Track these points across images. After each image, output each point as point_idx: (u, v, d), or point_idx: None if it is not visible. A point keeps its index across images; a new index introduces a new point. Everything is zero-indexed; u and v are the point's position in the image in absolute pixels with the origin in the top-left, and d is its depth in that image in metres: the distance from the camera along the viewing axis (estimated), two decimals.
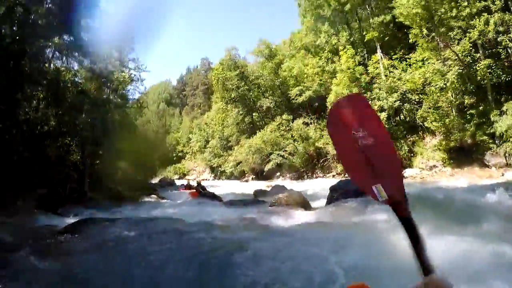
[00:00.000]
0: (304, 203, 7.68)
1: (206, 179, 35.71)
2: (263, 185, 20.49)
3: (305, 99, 26.16)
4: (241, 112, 33.45)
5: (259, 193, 12.55)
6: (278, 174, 26.95)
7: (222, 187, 20.50)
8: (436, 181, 14.33)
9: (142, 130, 23.70)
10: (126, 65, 19.52)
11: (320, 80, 24.99)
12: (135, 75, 22.48)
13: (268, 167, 26.43)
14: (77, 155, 13.19)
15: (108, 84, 16.90)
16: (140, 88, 22.97)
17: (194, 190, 13.48)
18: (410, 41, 18.02)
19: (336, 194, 7.53)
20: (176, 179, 39.78)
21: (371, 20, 22.39)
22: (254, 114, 33.39)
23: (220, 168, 35.19)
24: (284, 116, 27.61)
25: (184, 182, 30.61)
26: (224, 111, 36.03)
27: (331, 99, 21.05)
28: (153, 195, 13.87)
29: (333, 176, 22.93)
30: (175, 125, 61.50)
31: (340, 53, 22.01)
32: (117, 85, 17.41)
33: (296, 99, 26.76)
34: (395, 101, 18.69)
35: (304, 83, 26.67)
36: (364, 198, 6.11)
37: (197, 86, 66.97)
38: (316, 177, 24.00)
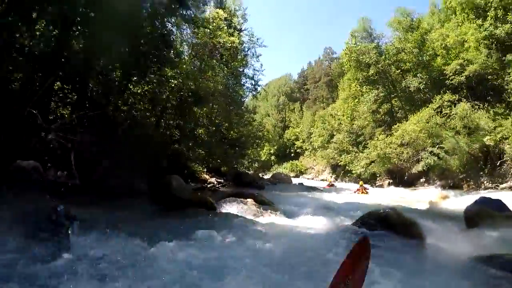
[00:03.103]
0: None
1: (326, 180, 30.97)
2: (416, 195, 14.93)
3: (466, 77, 18.73)
4: (380, 95, 26.56)
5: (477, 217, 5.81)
6: (423, 179, 20.28)
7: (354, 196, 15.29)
8: None
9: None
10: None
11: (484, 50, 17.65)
12: (249, 48, 20.33)
13: (417, 168, 19.53)
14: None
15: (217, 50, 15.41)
16: (256, 65, 21.01)
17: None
18: None
19: None
20: (292, 177, 36.31)
21: None
22: (393, 100, 26.34)
23: (347, 167, 29.41)
24: (446, 96, 19.78)
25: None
26: (355, 97, 29.77)
27: None
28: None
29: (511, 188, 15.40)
30: (295, 119, 58.37)
31: None
32: (224, 51, 15.68)
33: (452, 79, 19.41)
34: None
35: (461, 56, 19.33)
36: None
37: (319, 78, 62.14)
38: (485, 189, 16.60)
